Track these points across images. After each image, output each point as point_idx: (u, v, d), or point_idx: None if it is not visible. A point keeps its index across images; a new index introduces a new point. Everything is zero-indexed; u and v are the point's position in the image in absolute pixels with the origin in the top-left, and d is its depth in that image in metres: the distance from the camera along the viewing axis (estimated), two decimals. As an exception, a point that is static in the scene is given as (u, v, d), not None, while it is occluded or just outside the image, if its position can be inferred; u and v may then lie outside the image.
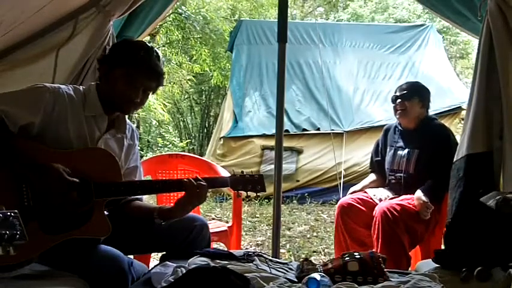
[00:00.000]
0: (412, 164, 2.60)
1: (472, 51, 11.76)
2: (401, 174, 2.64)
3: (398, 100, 2.65)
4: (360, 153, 5.74)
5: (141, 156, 7.94)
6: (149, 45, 1.82)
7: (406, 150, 2.65)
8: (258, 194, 1.91)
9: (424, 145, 2.59)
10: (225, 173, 2.60)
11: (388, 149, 2.78)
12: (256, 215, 5.04)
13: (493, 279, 1.47)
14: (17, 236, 1.10)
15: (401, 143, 2.70)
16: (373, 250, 1.97)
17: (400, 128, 2.74)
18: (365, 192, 2.72)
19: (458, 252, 1.62)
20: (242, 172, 1.92)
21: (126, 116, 1.89)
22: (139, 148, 2.00)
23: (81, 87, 1.79)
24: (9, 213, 1.09)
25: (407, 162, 2.62)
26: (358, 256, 1.67)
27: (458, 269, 1.65)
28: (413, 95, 2.64)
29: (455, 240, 1.64)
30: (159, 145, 9.68)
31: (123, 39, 1.85)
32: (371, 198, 2.64)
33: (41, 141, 1.60)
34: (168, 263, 1.71)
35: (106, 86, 1.74)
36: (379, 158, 2.84)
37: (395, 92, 2.72)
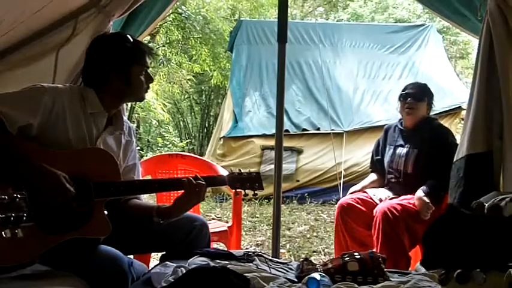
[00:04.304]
0: (410, 163, 2.61)
1: (472, 51, 11.76)
2: (399, 174, 2.64)
3: (410, 99, 2.65)
4: (360, 153, 5.74)
5: (141, 156, 7.96)
6: (120, 32, 1.83)
7: (405, 149, 2.65)
8: (256, 192, 1.91)
9: (424, 145, 2.60)
10: (224, 173, 2.60)
11: (387, 148, 2.78)
12: (256, 215, 5.04)
13: (472, 281, 1.47)
14: (24, 217, 1.08)
15: (401, 142, 2.71)
16: (373, 250, 1.97)
17: (400, 127, 2.75)
18: (365, 192, 2.72)
19: (437, 254, 1.63)
20: (240, 170, 1.93)
21: (126, 115, 1.90)
22: (139, 148, 2.02)
23: (77, 86, 1.81)
24: (15, 195, 1.07)
25: (405, 161, 2.63)
26: (358, 256, 1.67)
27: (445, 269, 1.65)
28: (424, 96, 2.67)
29: (434, 242, 1.65)
30: (159, 145, 9.67)
31: (98, 38, 1.85)
32: (371, 198, 2.64)
33: (40, 142, 1.59)
34: (168, 263, 1.71)
35: (122, 87, 1.76)
36: (380, 157, 2.84)
37: (403, 90, 2.72)
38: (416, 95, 2.65)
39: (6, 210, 1.02)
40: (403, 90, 2.73)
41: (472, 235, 1.58)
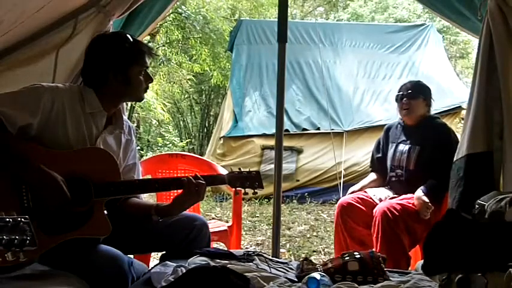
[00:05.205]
0: (412, 161, 2.60)
1: (472, 51, 11.76)
2: (402, 171, 2.64)
3: (404, 99, 2.67)
4: (360, 153, 5.74)
5: (141, 156, 7.97)
6: (120, 31, 1.84)
7: (407, 146, 2.65)
8: (255, 190, 1.91)
9: (426, 142, 2.60)
10: (224, 173, 2.60)
11: (390, 146, 2.78)
12: (256, 215, 5.04)
13: (474, 286, 1.47)
14: (27, 241, 1.09)
15: (403, 138, 2.71)
16: (373, 250, 1.97)
17: (402, 124, 2.75)
18: (365, 191, 2.72)
19: (437, 259, 1.63)
20: (239, 169, 1.93)
21: (126, 114, 1.90)
22: (139, 147, 2.02)
23: (76, 86, 1.81)
24: (19, 219, 1.09)
25: (407, 159, 2.62)
26: (358, 256, 1.67)
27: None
28: (419, 93, 2.67)
29: (434, 248, 1.64)
30: (159, 145, 9.67)
31: (97, 38, 1.85)
32: (371, 198, 2.64)
33: (39, 141, 1.60)
34: (168, 262, 1.71)
35: (120, 87, 1.75)
36: (380, 155, 2.83)
37: (399, 91, 2.73)
38: (410, 94, 2.66)
39: (10, 232, 1.03)
40: (398, 92, 2.74)
41: (473, 240, 1.57)
